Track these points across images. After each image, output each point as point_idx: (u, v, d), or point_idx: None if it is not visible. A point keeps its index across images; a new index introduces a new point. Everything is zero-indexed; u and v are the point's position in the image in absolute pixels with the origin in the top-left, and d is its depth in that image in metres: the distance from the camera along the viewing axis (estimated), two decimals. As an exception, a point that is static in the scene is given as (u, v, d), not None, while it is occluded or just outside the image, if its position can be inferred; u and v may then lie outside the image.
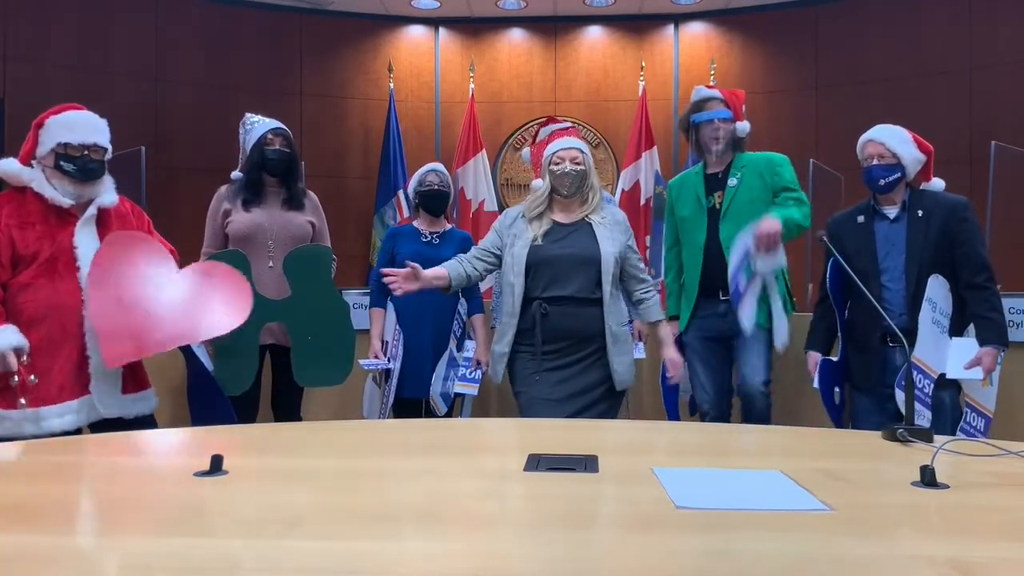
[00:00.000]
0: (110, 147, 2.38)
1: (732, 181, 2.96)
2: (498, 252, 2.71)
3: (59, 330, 2.27)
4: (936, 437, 1.74)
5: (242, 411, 2.88)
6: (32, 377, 2.22)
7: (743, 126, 3.01)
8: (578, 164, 2.64)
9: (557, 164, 2.64)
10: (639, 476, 1.42)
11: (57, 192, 2.26)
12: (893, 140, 2.71)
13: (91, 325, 2.29)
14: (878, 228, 2.73)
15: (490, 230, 2.80)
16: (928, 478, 1.35)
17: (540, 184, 2.74)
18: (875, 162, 2.69)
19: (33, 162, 2.30)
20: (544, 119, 3.57)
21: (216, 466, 1.41)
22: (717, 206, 2.98)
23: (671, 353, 2.78)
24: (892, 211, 2.72)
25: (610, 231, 2.64)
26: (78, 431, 2.28)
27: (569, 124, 3.33)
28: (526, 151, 3.44)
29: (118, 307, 2.36)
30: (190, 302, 2.48)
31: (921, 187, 2.78)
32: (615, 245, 2.63)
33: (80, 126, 2.32)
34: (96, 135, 2.34)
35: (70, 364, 2.28)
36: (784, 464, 1.50)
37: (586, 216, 2.65)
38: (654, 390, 3.67)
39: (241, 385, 2.83)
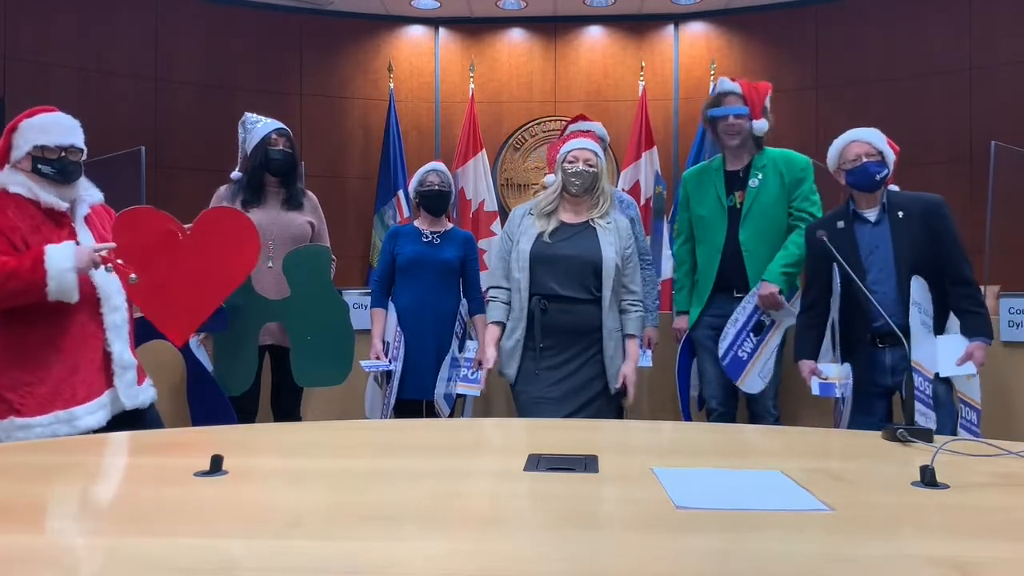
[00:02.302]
0: (85, 148, 2.35)
1: (753, 182, 2.94)
2: None
3: (81, 329, 2.28)
4: (936, 437, 1.74)
5: (242, 411, 2.88)
6: (109, 266, 2.28)
7: (760, 125, 2.93)
8: (591, 166, 2.66)
9: (571, 163, 2.66)
10: (639, 476, 1.42)
11: (52, 196, 2.25)
12: (876, 139, 2.72)
13: (111, 321, 2.31)
14: (859, 232, 2.72)
15: (501, 237, 2.81)
16: (928, 478, 1.35)
17: (552, 180, 2.76)
18: (866, 160, 2.68)
19: (6, 167, 2.27)
20: (575, 116, 3.53)
21: (216, 466, 1.41)
22: (738, 205, 2.95)
23: (628, 369, 2.67)
24: (872, 214, 2.72)
25: (613, 236, 2.65)
26: (104, 427, 2.28)
27: (590, 127, 3.29)
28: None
29: (155, 290, 2.46)
30: (212, 254, 2.60)
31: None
32: (618, 250, 2.64)
33: (55, 128, 2.28)
34: (71, 136, 2.30)
35: (95, 361, 2.30)
36: (784, 464, 1.50)
37: (592, 219, 2.67)
38: (655, 398, 3.66)
39: (241, 385, 2.83)
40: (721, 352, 2.90)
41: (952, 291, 2.62)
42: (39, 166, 2.25)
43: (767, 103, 3.00)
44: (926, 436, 1.72)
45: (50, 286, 2.15)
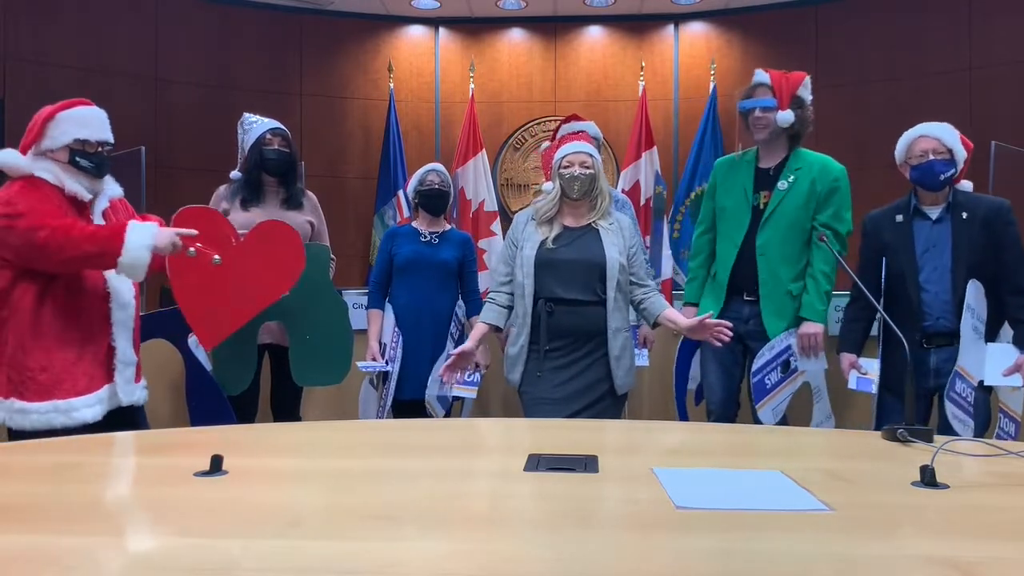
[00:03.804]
0: (113, 142, 2.40)
1: (783, 184, 2.84)
2: None
3: (88, 321, 2.29)
4: (936, 437, 1.74)
5: (241, 411, 2.88)
6: (192, 249, 2.34)
7: (784, 116, 2.81)
8: (587, 168, 2.66)
9: (567, 168, 2.67)
10: (639, 476, 1.42)
11: (78, 186, 2.27)
12: (947, 135, 2.63)
13: (119, 317, 2.33)
14: (918, 228, 2.65)
15: (504, 243, 2.81)
16: (928, 478, 1.35)
17: (550, 187, 2.76)
18: (932, 157, 2.59)
19: (31, 154, 2.28)
20: (567, 116, 3.49)
21: (216, 466, 1.41)
22: (761, 206, 2.87)
23: (689, 322, 2.57)
24: (934, 211, 2.65)
25: (616, 237, 2.66)
26: (100, 421, 2.29)
27: (581, 128, 3.26)
28: (545, 145, 3.39)
29: (199, 290, 2.49)
30: (257, 266, 2.61)
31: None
32: (621, 251, 2.65)
33: (95, 123, 2.33)
34: (107, 132, 2.36)
35: (99, 355, 2.31)
36: (784, 464, 1.50)
37: (594, 221, 2.67)
38: (655, 398, 3.66)
39: (239, 385, 2.83)
40: (754, 369, 2.86)
41: (1009, 300, 2.56)
42: (77, 159, 2.28)
43: (803, 94, 2.87)
44: (926, 436, 1.72)
45: (124, 258, 2.18)
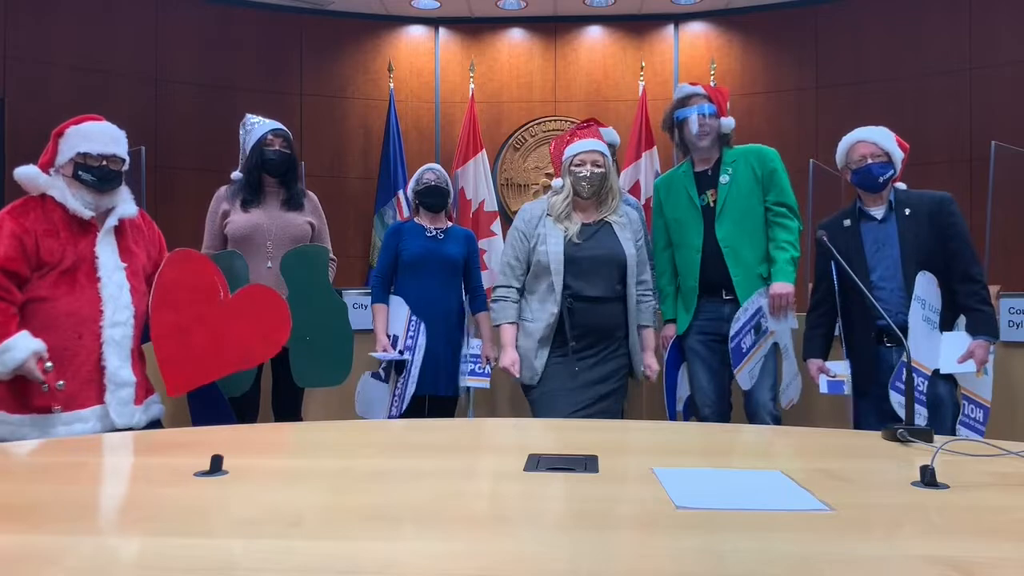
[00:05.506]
0: (128, 158, 2.41)
1: (724, 178, 2.94)
2: (530, 258, 2.74)
3: (75, 338, 2.25)
4: (936, 437, 1.74)
5: (242, 413, 2.88)
6: (60, 383, 2.20)
7: (728, 122, 2.97)
8: (599, 167, 2.68)
9: (578, 167, 2.68)
10: (639, 476, 1.42)
11: (79, 203, 2.27)
12: (883, 139, 2.75)
13: (110, 335, 2.28)
14: (865, 230, 2.74)
15: (511, 234, 2.83)
16: (928, 478, 1.35)
17: (560, 184, 2.76)
18: (871, 161, 2.71)
19: (51, 171, 2.32)
20: (588, 119, 3.49)
21: (216, 466, 1.41)
22: (711, 204, 2.95)
23: (650, 358, 2.83)
24: (878, 211, 2.74)
25: (628, 231, 2.70)
26: None
27: (587, 125, 3.25)
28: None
29: (178, 331, 2.42)
30: (242, 325, 2.56)
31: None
32: (635, 242, 2.71)
33: (99, 136, 2.34)
34: (114, 146, 2.37)
35: (84, 373, 2.26)
36: (784, 464, 1.50)
37: (605, 217, 2.69)
38: (655, 399, 3.66)
39: (240, 386, 2.83)
40: (731, 335, 2.88)
41: (958, 288, 2.63)
42: (80, 172, 2.31)
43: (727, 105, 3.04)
44: (926, 436, 1.72)
45: None
